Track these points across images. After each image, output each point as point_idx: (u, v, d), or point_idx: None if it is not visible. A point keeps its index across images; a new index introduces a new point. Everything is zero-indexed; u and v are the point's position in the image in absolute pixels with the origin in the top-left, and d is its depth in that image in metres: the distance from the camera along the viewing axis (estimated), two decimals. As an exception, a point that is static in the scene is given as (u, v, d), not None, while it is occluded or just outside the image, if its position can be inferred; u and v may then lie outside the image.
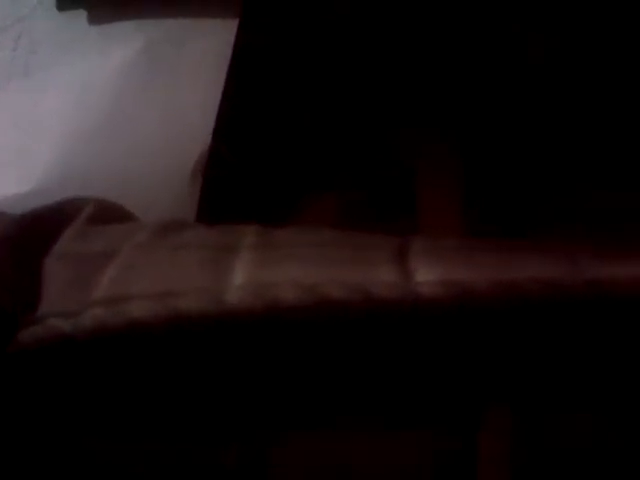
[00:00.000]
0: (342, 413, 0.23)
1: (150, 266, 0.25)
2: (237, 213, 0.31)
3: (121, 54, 0.39)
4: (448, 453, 0.23)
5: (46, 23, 0.40)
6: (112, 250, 0.26)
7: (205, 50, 0.39)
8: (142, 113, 0.38)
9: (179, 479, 0.23)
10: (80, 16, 0.39)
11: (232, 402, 0.23)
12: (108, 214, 0.29)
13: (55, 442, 0.24)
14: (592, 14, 0.35)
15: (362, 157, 0.38)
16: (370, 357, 0.23)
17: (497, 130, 0.37)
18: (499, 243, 0.25)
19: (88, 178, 0.37)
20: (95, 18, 0.39)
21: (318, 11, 0.39)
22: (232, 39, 0.38)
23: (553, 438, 0.23)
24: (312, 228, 0.27)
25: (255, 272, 0.24)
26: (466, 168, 0.37)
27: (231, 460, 0.23)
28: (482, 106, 0.37)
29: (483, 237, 0.30)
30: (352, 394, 0.23)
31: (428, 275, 0.23)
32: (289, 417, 0.23)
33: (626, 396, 0.23)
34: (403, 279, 0.23)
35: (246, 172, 0.38)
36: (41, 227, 0.27)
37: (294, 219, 0.37)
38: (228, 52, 0.38)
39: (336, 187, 0.38)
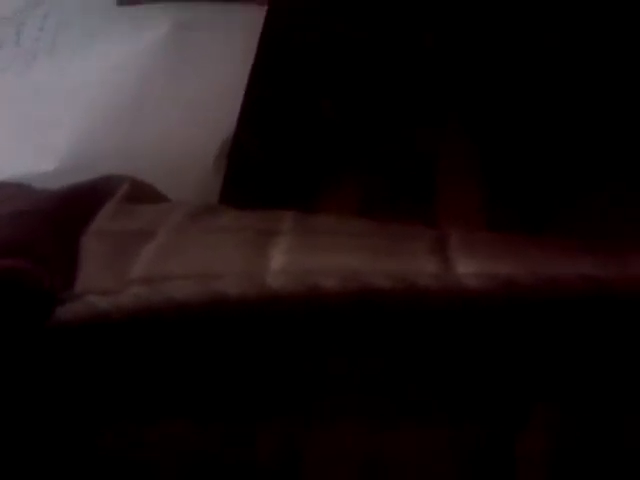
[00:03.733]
0: (378, 404, 0.23)
1: (188, 247, 0.25)
2: (260, 200, 0.31)
3: (148, 37, 0.39)
4: (485, 450, 0.23)
5: (74, 3, 0.40)
6: (149, 230, 0.26)
7: (233, 35, 0.39)
8: (167, 96, 0.38)
9: (212, 472, 0.23)
10: (108, -3, 0.40)
11: (269, 386, 0.23)
12: (143, 193, 0.29)
13: (87, 421, 0.24)
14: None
15: (382, 147, 0.38)
16: (411, 347, 0.23)
17: (517, 121, 0.36)
18: (538, 239, 0.25)
19: (112, 159, 0.37)
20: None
21: None
22: (260, 25, 0.38)
23: (596, 439, 0.23)
24: (348, 217, 0.27)
25: (296, 258, 0.24)
26: (486, 158, 0.37)
27: (264, 453, 0.23)
28: (502, 98, 0.37)
29: (505, 228, 0.30)
30: (390, 384, 0.23)
31: (469, 267, 0.23)
32: (325, 405, 0.23)
33: None
34: (445, 270, 0.23)
35: (269, 159, 0.38)
36: (78, 203, 0.27)
37: (315, 206, 0.37)
38: (256, 37, 0.38)
39: (356, 175, 0.38)
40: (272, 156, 0.38)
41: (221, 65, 0.38)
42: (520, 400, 0.23)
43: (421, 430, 0.23)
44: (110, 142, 0.37)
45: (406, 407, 0.23)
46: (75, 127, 0.38)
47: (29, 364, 0.23)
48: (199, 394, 0.23)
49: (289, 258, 0.24)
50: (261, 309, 0.23)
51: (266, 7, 0.38)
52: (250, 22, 0.38)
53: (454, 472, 0.23)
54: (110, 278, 0.24)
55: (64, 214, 0.27)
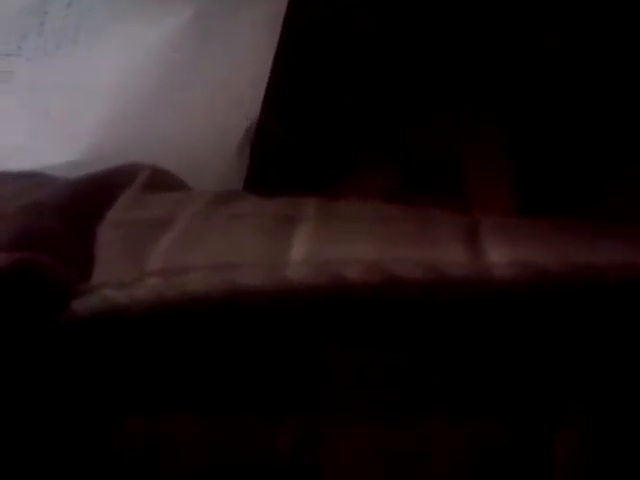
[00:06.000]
0: (400, 399, 0.22)
1: (207, 236, 0.24)
2: (284, 185, 0.30)
3: (171, 23, 0.39)
4: (518, 450, 0.22)
5: (97, -10, 0.40)
6: (167, 218, 0.25)
7: (256, 20, 0.38)
8: (191, 82, 0.38)
9: (231, 468, 0.23)
10: (131, -17, 0.39)
11: (288, 381, 0.23)
12: (162, 181, 0.29)
13: (102, 415, 0.23)
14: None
15: (407, 133, 0.38)
16: (438, 340, 0.22)
17: (546, 106, 0.36)
18: (569, 223, 0.24)
19: (136, 147, 0.37)
20: (147, -15, 0.39)
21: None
22: (284, 9, 0.38)
23: (633, 438, 0.22)
24: (373, 202, 0.26)
25: (318, 246, 0.23)
26: (515, 143, 0.36)
27: (283, 448, 0.23)
28: (531, 82, 0.36)
29: (535, 213, 0.29)
30: (415, 379, 0.22)
31: (501, 256, 0.22)
32: (344, 400, 0.23)
33: None
34: (476, 259, 0.22)
35: (294, 145, 0.37)
36: (95, 193, 0.27)
37: (339, 192, 0.36)
38: (280, 22, 0.38)
39: (381, 161, 0.38)
40: (296, 142, 0.37)
41: (244, 51, 0.38)
42: (554, 397, 0.22)
43: (443, 427, 0.22)
44: (133, 130, 0.37)
45: (430, 402, 0.22)
46: (98, 116, 0.37)
47: (44, 358, 0.23)
48: (217, 388, 0.23)
49: (311, 247, 0.23)
50: (281, 301, 0.22)
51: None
52: (274, 7, 0.38)
53: (478, 471, 0.22)
54: (127, 270, 0.23)
55: (80, 203, 0.26)
